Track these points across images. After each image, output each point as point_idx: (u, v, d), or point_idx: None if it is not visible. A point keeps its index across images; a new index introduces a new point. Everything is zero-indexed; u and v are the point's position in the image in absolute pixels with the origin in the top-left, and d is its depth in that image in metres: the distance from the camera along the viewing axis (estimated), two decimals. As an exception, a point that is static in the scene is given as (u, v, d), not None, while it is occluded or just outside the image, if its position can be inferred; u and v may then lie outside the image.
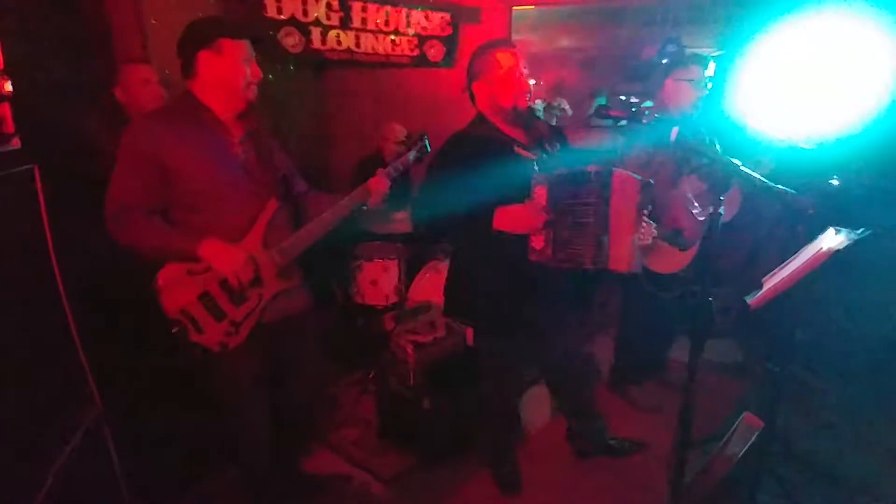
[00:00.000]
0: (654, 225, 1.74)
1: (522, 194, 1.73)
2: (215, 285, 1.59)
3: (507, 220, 1.72)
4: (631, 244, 1.65)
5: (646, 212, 1.68)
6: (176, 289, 1.57)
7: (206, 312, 1.59)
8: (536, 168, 1.74)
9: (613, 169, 1.63)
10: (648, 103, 2.41)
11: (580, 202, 1.65)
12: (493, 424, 2.26)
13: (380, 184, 1.82)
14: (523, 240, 1.75)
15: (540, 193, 1.70)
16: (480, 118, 1.89)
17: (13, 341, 1.53)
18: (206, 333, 1.59)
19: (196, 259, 1.55)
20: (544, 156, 1.78)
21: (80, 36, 2.47)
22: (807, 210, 1.34)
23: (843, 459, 2.33)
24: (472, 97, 1.91)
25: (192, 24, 1.57)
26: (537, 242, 1.73)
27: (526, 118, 1.86)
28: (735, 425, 1.94)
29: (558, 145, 1.93)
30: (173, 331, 1.58)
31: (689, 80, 2.31)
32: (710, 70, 2.33)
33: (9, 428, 1.46)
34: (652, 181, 1.65)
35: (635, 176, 1.64)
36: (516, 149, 1.78)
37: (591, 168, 1.65)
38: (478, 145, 1.78)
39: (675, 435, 1.64)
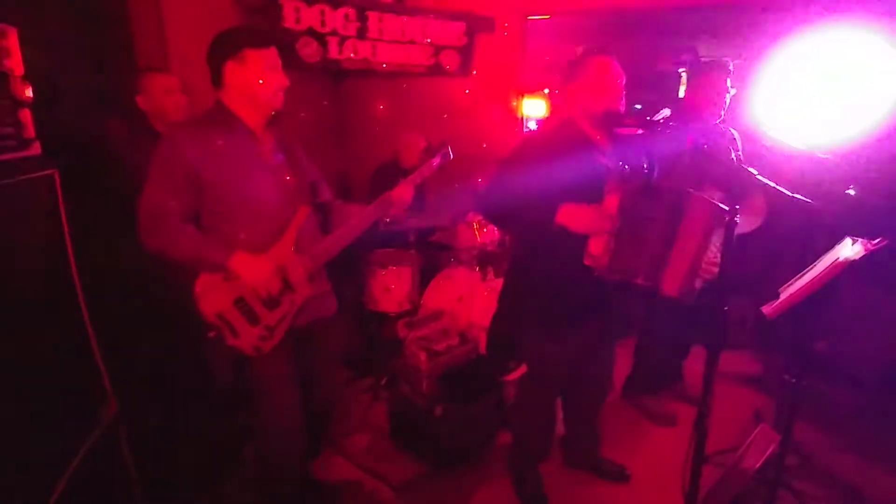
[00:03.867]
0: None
1: (592, 199, 1.70)
2: (250, 290, 1.63)
3: (571, 216, 1.69)
4: (689, 271, 1.62)
5: (717, 244, 1.64)
6: (213, 294, 1.60)
7: (242, 317, 1.62)
8: (611, 175, 1.72)
9: (692, 191, 1.59)
10: (665, 112, 2.40)
11: (649, 217, 1.61)
12: (527, 436, 2.22)
13: (404, 192, 1.84)
14: (582, 242, 1.72)
15: (611, 201, 1.66)
16: (569, 120, 1.89)
17: (32, 343, 1.54)
18: (241, 337, 1.63)
19: (226, 272, 1.58)
20: (625, 165, 1.75)
21: (102, 43, 2.50)
22: (825, 219, 1.32)
23: (863, 473, 2.27)
24: (564, 99, 1.92)
25: (217, 36, 1.61)
26: (595, 247, 1.69)
27: (615, 122, 1.83)
28: (751, 438, 1.91)
29: (643, 155, 1.87)
30: (210, 335, 1.62)
31: (710, 89, 2.29)
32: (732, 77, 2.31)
33: (26, 427, 1.48)
34: (728, 209, 1.62)
35: (714, 202, 1.60)
36: (597, 156, 1.76)
37: (669, 186, 1.62)
38: (560, 146, 1.77)
39: (689, 447, 1.62)
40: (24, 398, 1.49)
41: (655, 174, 1.88)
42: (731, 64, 2.32)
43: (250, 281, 1.60)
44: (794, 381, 1.78)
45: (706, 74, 2.33)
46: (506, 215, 1.86)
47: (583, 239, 1.71)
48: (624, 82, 1.83)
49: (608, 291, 1.79)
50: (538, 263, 1.89)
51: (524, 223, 1.81)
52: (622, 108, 1.82)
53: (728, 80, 2.29)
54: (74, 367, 1.74)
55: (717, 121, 2.35)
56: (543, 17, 3.93)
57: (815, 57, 1.97)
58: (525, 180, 1.70)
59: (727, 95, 2.31)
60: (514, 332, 2.33)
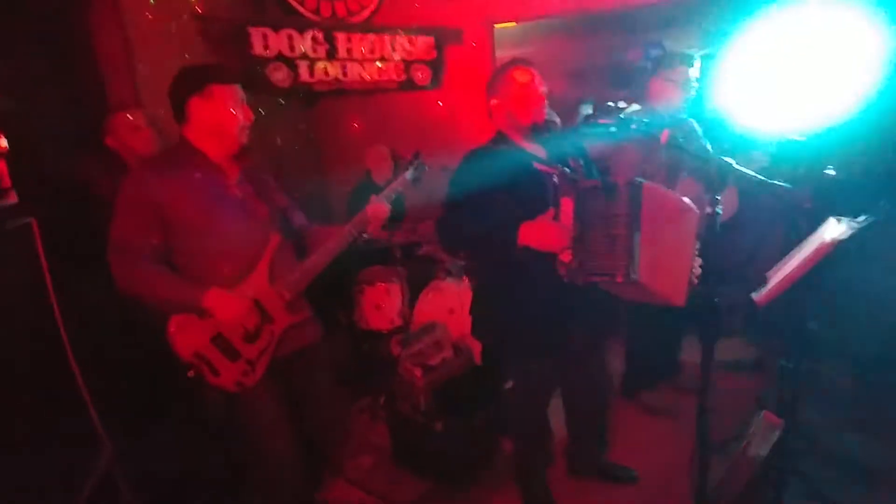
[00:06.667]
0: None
1: (544, 207, 1.70)
2: (227, 326, 1.60)
3: (533, 235, 1.67)
4: (670, 264, 1.60)
5: (697, 244, 1.63)
6: (189, 332, 1.57)
7: (221, 354, 1.59)
8: (557, 181, 1.71)
9: (643, 181, 1.57)
10: (635, 107, 2.42)
11: (610, 214, 1.59)
12: (525, 446, 2.20)
13: (378, 209, 1.83)
14: (552, 257, 1.70)
15: (567, 205, 1.66)
16: (499, 135, 1.91)
17: (20, 395, 1.53)
18: (222, 375, 1.60)
19: (200, 311, 1.56)
20: (565, 168, 1.75)
21: (73, 87, 2.50)
22: (803, 203, 1.33)
23: (869, 451, 2.27)
24: (490, 115, 1.94)
25: (181, 72, 1.60)
26: (565, 255, 1.68)
27: (544, 132, 1.87)
28: (755, 425, 1.91)
29: (579, 157, 1.89)
30: (189, 375, 1.58)
31: (675, 81, 2.32)
32: (697, 69, 2.34)
33: (21, 481, 1.46)
34: (696, 209, 1.60)
35: (669, 191, 1.60)
36: (535, 164, 1.76)
37: (620, 179, 1.60)
38: (496, 161, 1.77)
39: (694, 440, 1.61)
40: (13, 451, 1.46)
41: (592, 168, 1.89)
42: (696, 56, 2.34)
43: (227, 318, 1.57)
44: (791, 365, 1.79)
45: (669, 66, 2.34)
46: (468, 243, 1.85)
47: (548, 255, 1.69)
48: (545, 91, 1.85)
49: (585, 297, 1.76)
50: (508, 289, 1.86)
51: (487, 248, 1.80)
52: (543, 118, 1.84)
53: (691, 72, 2.32)
54: (64, 415, 1.72)
55: (683, 113, 2.36)
56: (509, 24, 3.96)
57: (781, 37, 1.99)
58: (474, 204, 1.71)
59: (692, 87, 2.33)
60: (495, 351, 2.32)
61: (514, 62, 1.90)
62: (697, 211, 1.61)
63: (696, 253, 1.65)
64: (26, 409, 1.54)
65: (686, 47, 3.86)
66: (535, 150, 1.86)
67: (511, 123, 1.87)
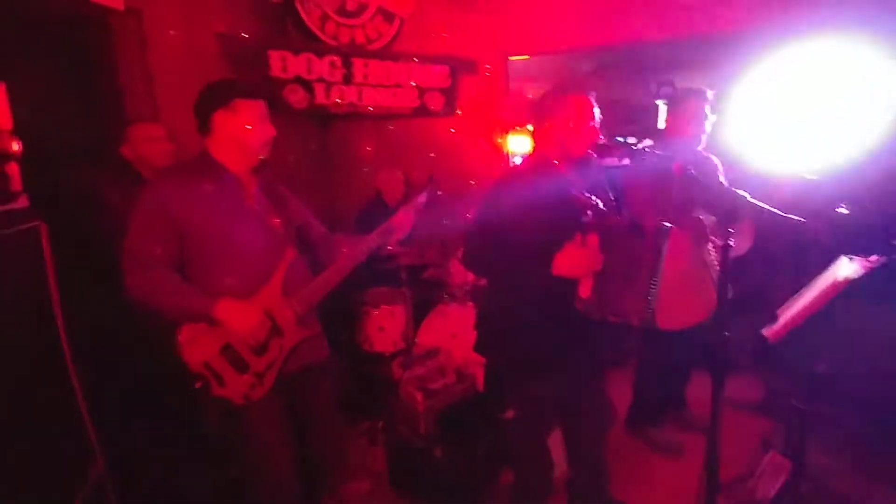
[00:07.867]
0: None
1: (569, 235, 1.67)
2: (237, 337, 1.60)
3: (568, 265, 1.64)
4: (685, 306, 1.60)
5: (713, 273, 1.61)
6: (198, 343, 1.57)
7: (229, 365, 1.59)
8: (590, 213, 1.69)
9: (671, 227, 1.56)
10: (648, 142, 2.44)
11: (634, 256, 1.58)
12: (525, 476, 2.15)
13: (405, 218, 1.87)
14: (570, 285, 1.68)
15: (593, 240, 1.63)
16: (541, 159, 1.85)
17: (18, 400, 1.52)
18: (228, 386, 1.59)
19: (211, 320, 1.56)
20: (598, 202, 1.73)
21: (91, 96, 2.55)
22: (820, 238, 1.32)
23: (877, 496, 2.21)
24: (533, 134, 1.89)
25: (208, 85, 1.64)
26: (584, 290, 1.66)
27: (588, 165, 1.83)
28: (762, 466, 1.87)
29: (612, 195, 1.87)
30: (196, 385, 1.57)
31: (692, 115, 2.35)
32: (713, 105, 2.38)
33: (14, 488, 1.44)
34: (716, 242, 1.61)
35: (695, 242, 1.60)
36: (573, 192, 1.73)
37: (649, 222, 1.59)
38: (535, 187, 1.72)
39: (700, 480, 1.57)
40: (7, 456, 1.45)
41: (622, 205, 1.88)
42: (710, 92, 2.39)
43: (237, 328, 1.57)
44: (801, 406, 1.75)
45: (685, 102, 2.39)
46: (494, 267, 1.80)
47: (569, 284, 1.67)
48: (600, 121, 1.81)
49: (594, 326, 1.75)
50: (521, 306, 1.82)
51: (514, 273, 1.75)
52: (592, 154, 1.81)
53: (707, 107, 2.35)
54: (60, 423, 1.70)
55: (699, 147, 2.40)
56: (523, 57, 4.05)
57: (792, 78, 2.01)
58: (504, 226, 1.68)
59: (707, 122, 2.36)
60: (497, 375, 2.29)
61: (573, 87, 1.82)
62: (718, 264, 1.60)
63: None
64: (23, 414, 1.53)
65: (696, 86, 3.93)
66: (573, 178, 1.82)
67: (561, 151, 1.81)
